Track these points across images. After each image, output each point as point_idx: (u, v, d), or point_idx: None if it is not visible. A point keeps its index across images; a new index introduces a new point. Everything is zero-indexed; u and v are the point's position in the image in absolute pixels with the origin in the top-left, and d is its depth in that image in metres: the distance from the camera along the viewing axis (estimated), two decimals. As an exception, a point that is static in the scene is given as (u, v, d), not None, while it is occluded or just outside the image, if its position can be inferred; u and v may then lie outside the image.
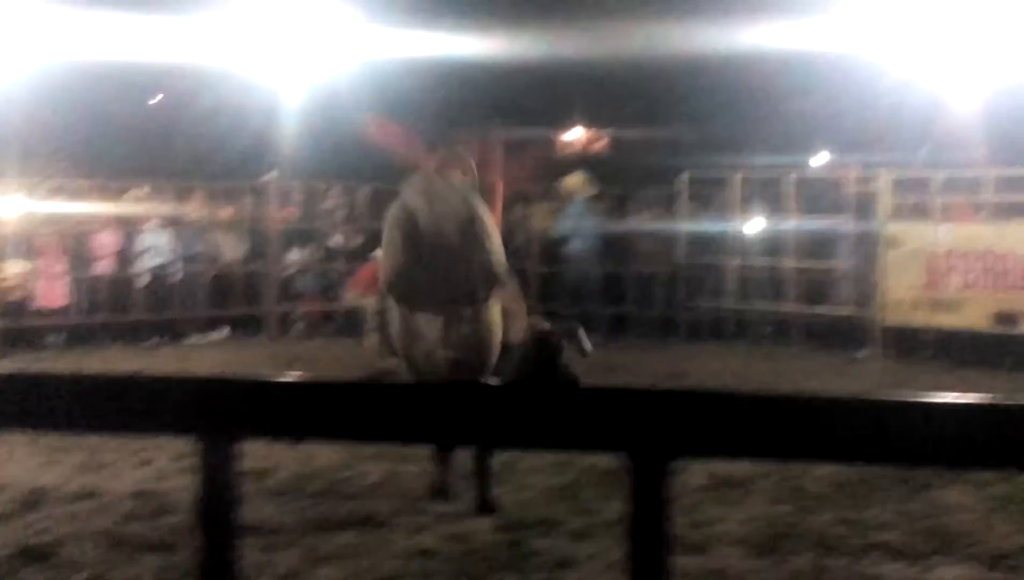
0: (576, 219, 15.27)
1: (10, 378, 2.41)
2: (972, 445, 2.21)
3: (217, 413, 2.19)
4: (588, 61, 16.48)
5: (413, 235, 6.70)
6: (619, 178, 16.27)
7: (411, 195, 6.84)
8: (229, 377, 2.16)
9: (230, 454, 2.20)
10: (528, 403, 2.30)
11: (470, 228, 6.70)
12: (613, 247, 15.46)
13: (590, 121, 21.30)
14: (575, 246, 15.18)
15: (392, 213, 6.92)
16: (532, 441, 2.50)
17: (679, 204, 14.98)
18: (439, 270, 6.69)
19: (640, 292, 15.30)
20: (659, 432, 2.18)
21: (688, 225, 14.97)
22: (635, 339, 14.73)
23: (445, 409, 2.35)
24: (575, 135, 21.79)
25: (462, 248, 6.69)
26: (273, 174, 16.18)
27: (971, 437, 2.20)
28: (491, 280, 6.80)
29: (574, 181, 15.45)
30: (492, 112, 16.44)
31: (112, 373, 2.36)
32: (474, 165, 7.13)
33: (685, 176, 14.96)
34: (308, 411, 2.39)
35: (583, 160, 19.55)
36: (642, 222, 15.42)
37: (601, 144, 21.60)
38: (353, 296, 15.07)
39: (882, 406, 2.22)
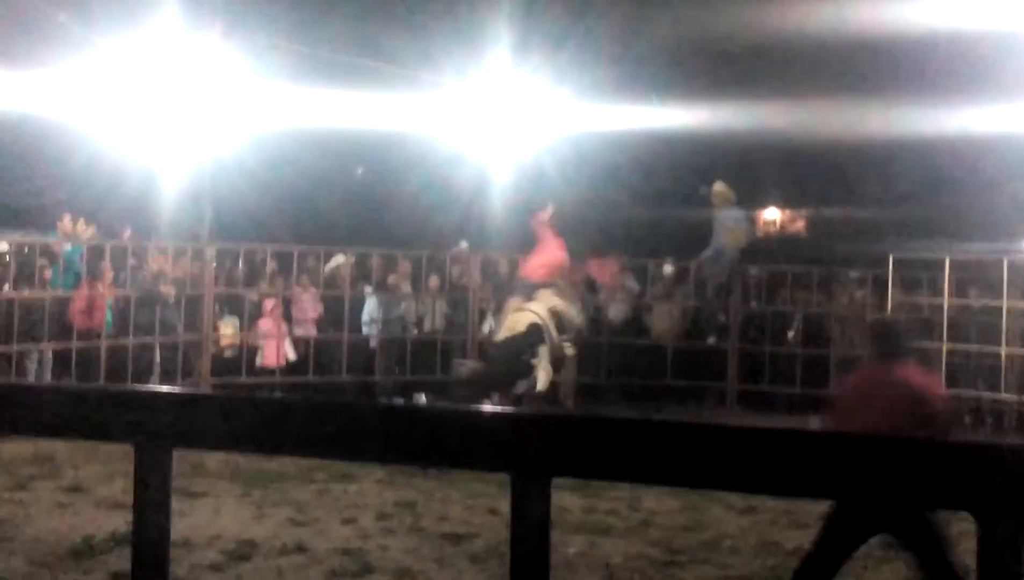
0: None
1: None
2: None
3: (531, 450, 2.16)
4: (787, 138, 16.32)
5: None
6: (816, 260, 15.99)
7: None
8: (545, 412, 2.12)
9: (544, 493, 2.17)
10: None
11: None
12: (815, 328, 15.19)
13: (786, 201, 21.04)
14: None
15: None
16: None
17: (887, 287, 14.57)
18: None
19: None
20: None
21: (896, 309, 14.54)
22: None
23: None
24: (771, 215, 21.56)
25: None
26: (463, 245, 16.53)
27: None
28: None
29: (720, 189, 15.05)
30: (688, 189, 16.37)
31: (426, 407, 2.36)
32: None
33: (891, 259, 14.57)
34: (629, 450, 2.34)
35: (779, 240, 19.32)
36: (847, 305, 15.12)
37: (798, 224, 21.31)
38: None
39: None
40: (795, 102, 15.98)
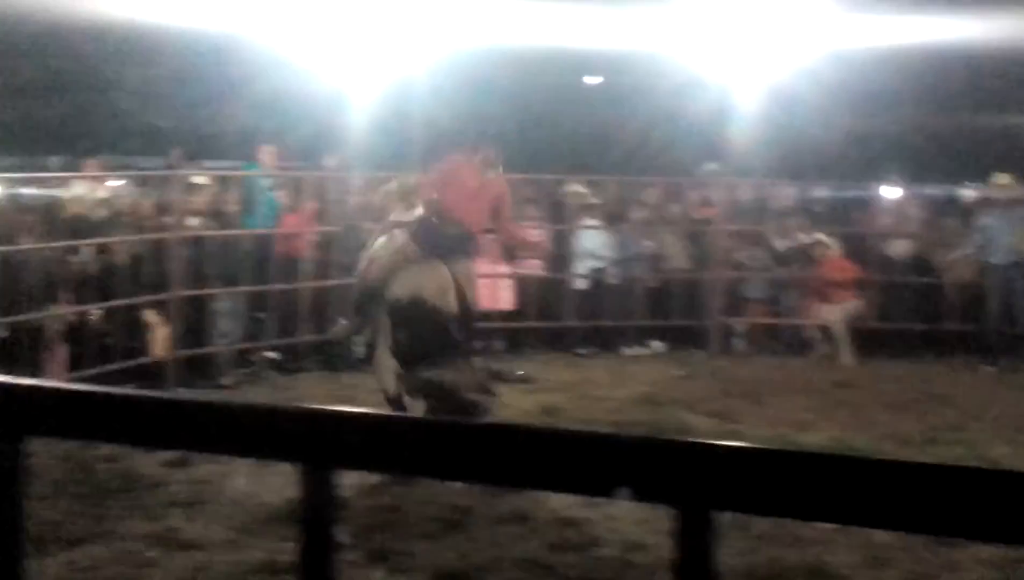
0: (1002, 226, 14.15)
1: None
2: None
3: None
4: None
5: None
6: None
7: None
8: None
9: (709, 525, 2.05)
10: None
11: None
12: None
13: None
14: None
15: None
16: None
17: None
18: None
19: None
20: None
21: None
22: None
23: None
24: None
25: None
26: (712, 167, 16.24)
27: None
28: None
29: (1002, 180, 14.31)
30: (983, 97, 15.57)
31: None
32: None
33: None
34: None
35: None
36: None
37: None
38: (823, 310, 14.86)
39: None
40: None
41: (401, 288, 8.90)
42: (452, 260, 9.02)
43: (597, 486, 2.22)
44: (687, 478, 2.06)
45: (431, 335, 8.72)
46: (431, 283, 8.82)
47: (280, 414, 2.35)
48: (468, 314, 9.08)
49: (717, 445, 2.11)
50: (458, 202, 9.09)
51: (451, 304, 8.84)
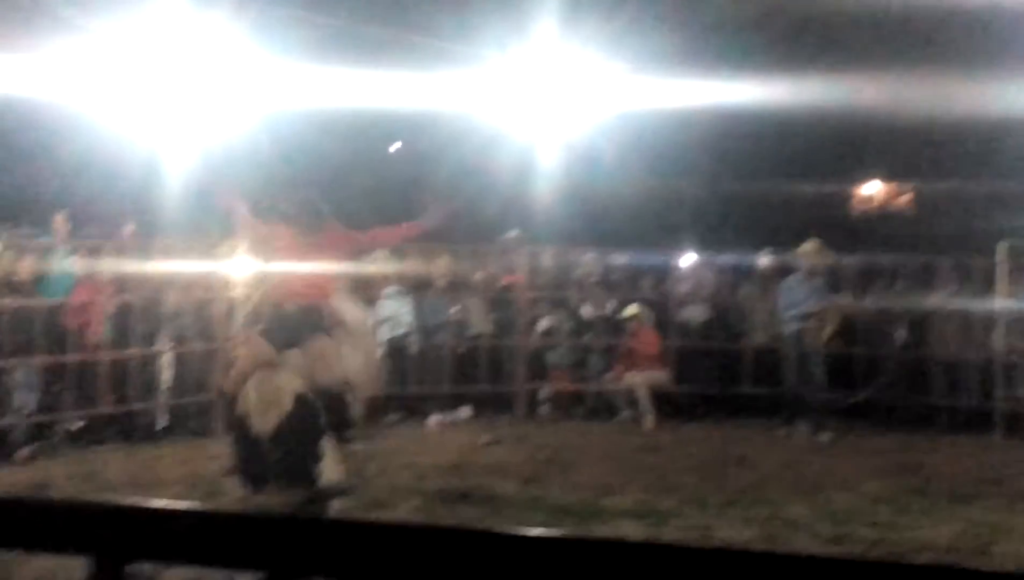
0: (802, 292, 14.67)
1: None
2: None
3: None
4: (889, 108, 15.96)
5: None
6: (921, 243, 15.72)
7: None
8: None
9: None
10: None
11: None
12: (913, 327, 15.03)
13: (890, 174, 20.71)
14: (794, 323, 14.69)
15: None
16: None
17: (997, 277, 14.33)
18: None
19: (947, 381, 14.76)
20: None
21: (1009, 303, 14.31)
22: (941, 435, 14.17)
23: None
24: (872, 189, 21.24)
25: None
26: (514, 234, 16.43)
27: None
28: None
29: (808, 248, 14.90)
30: (776, 165, 16.16)
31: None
32: None
33: (1006, 244, 14.30)
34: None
35: (880, 218, 19.12)
36: (949, 298, 14.88)
37: (904, 200, 21.00)
38: (629, 377, 15.13)
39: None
40: (890, 73, 15.57)
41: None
42: (302, 342, 7.95)
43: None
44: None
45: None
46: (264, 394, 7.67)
47: (67, 508, 2.32)
48: (327, 397, 8.07)
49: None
50: (287, 273, 8.11)
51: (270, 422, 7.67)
